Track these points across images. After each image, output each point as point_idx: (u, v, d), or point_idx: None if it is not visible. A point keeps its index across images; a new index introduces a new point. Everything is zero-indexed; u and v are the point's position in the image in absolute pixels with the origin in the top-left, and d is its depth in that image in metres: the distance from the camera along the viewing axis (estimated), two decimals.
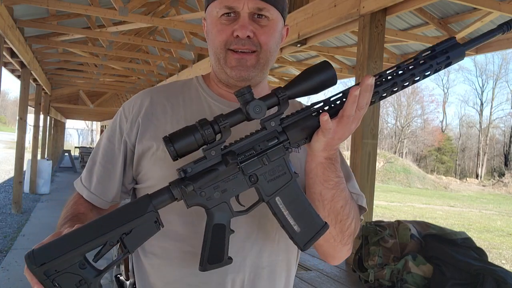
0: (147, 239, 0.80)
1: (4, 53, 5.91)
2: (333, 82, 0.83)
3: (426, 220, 2.50)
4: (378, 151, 4.22)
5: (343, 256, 1.01)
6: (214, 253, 0.83)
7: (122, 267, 1.13)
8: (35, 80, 9.97)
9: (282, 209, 0.84)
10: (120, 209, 0.80)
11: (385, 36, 3.60)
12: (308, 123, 0.83)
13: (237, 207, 0.84)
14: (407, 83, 0.85)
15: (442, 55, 0.86)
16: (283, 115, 0.84)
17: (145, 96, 1.06)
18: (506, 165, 40.70)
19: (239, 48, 0.95)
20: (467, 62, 53.67)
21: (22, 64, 7.71)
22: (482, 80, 46.26)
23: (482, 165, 42.27)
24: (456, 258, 2.07)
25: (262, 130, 0.83)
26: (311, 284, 2.36)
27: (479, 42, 0.93)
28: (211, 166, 0.81)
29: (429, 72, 0.85)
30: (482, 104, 45.17)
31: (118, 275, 1.14)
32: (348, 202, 0.94)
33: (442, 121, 49.55)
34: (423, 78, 0.85)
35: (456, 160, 44.96)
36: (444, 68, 0.87)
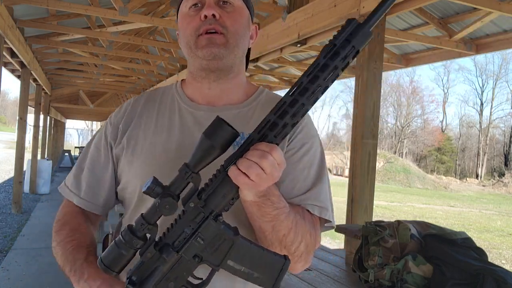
0: None
1: (4, 53, 5.91)
2: (233, 136, 0.78)
3: (426, 220, 2.49)
4: (378, 151, 4.22)
5: (298, 270, 0.99)
6: None
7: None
8: (35, 80, 9.97)
9: (237, 267, 0.83)
10: None
11: (385, 36, 3.60)
12: (227, 187, 0.79)
13: (196, 280, 0.86)
14: (315, 98, 0.76)
15: (345, 47, 0.75)
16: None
17: (129, 103, 1.12)
18: (506, 165, 40.68)
19: (207, 29, 0.98)
20: (467, 62, 53.73)
21: (22, 64, 7.71)
22: (482, 80, 46.27)
23: (482, 165, 42.26)
24: (456, 258, 2.07)
25: (186, 212, 0.81)
26: (311, 284, 2.36)
27: (380, 14, 0.76)
28: (153, 266, 0.82)
29: (337, 73, 0.76)
30: (482, 104, 45.16)
31: None
32: (291, 229, 0.91)
33: (442, 121, 49.55)
34: (332, 82, 0.77)
35: (456, 160, 44.94)
36: (353, 58, 0.76)
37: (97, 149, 1.09)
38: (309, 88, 0.75)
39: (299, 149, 1.02)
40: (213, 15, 0.98)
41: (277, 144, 0.78)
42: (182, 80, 1.14)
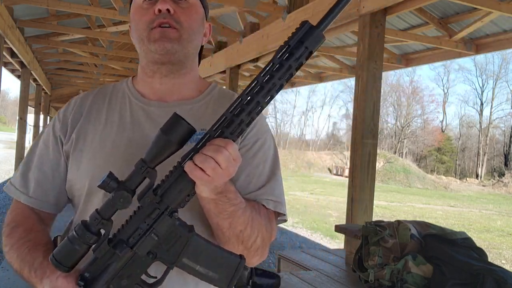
0: None
1: (4, 53, 5.91)
2: (190, 132, 0.79)
3: (426, 220, 2.49)
4: (378, 151, 4.22)
5: (255, 263, 1.01)
6: None
7: None
8: (35, 80, 9.97)
9: (192, 266, 0.83)
10: None
11: (385, 36, 3.60)
12: (183, 183, 0.80)
13: (149, 279, 0.85)
14: (270, 96, 0.78)
15: (298, 48, 0.76)
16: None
17: (77, 99, 1.10)
18: (506, 165, 40.70)
19: (160, 22, 0.97)
20: (467, 62, 53.72)
21: (22, 64, 7.71)
22: (482, 80, 46.25)
23: (482, 165, 42.26)
24: (456, 258, 2.07)
25: (141, 208, 0.81)
26: (311, 284, 2.36)
27: (332, 17, 0.78)
28: (106, 263, 0.81)
29: (291, 72, 0.78)
30: (482, 104, 45.17)
31: None
32: (248, 224, 0.93)
33: (442, 121, 49.56)
34: (286, 82, 0.78)
35: (456, 160, 44.95)
36: (307, 59, 0.78)
37: (45, 146, 1.06)
38: (264, 86, 0.77)
39: (253, 145, 1.03)
40: (168, 10, 0.97)
41: (233, 141, 0.79)
42: (133, 76, 1.13)
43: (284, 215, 1.05)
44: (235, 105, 0.78)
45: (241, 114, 0.77)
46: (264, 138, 1.06)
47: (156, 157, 0.79)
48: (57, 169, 1.04)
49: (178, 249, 0.82)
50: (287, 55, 0.77)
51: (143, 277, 0.84)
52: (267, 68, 0.78)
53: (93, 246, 0.80)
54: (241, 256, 0.86)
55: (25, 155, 1.11)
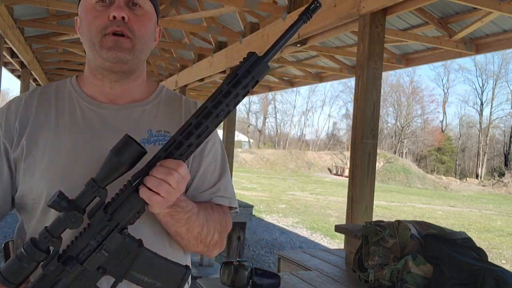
0: None
1: (4, 53, 5.91)
2: (140, 153, 0.81)
3: (426, 220, 2.50)
4: (378, 151, 4.22)
5: (215, 254, 1.10)
6: None
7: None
8: (35, 80, 9.98)
9: (141, 277, 0.86)
10: None
11: (385, 36, 3.60)
12: (134, 202, 0.82)
13: None
14: (218, 121, 0.82)
15: (245, 77, 0.82)
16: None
17: (18, 101, 1.04)
18: (506, 165, 40.71)
19: (114, 30, 0.96)
20: (467, 62, 53.74)
21: (22, 64, 7.71)
22: (482, 80, 46.24)
23: (482, 165, 42.28)
24: (456, 258, 2.07)
25: (92, 225, 0.82)
26: (311, 284, 2.36)
27: (278, 49, 0.85)
28: (56, 279, 0.81)
29: (238, 99, 0.83)
30: (482, 104, 45.19)
31: None
32: (204, 225, 0.98)
33: (442, 121, 49.59)
34: (234, 107, 0.83)
35: (456, 160, 44.96)
36: (253, 87, 0.84)
37: None
38: (213, 112, 0.81)
39: (205, 146, 1.07)
40: (122, 17, 0.96)
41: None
42: (76, 76, 1.11)
43: (236, 207, 1.14)
44: (184, 128, 0.82)
45: (190, 137, 0.81)
46: (213, 138, 1.10)
47: (107, 177, 0.81)
48: (0, 177, 0.99)
49: (127, 264, 0.85)
50: (234, 83, 0.82)
51: None
52: (216, 95, 0.82)
53: (42, 262, 0.80)
54: (186, 267, 0.90)
55: None
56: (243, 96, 0.83)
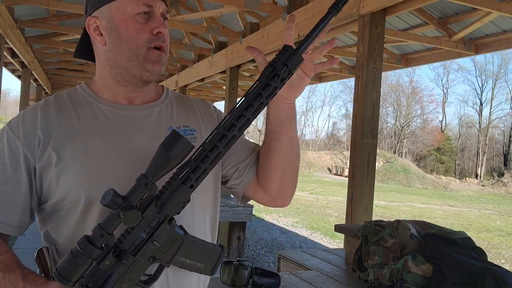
0: None
1: (5, 53, 5.92)
2: (189, 148, 0.84)
3: (425, 220, 2.50)
4: (377, 151, 4.23)
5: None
6: None
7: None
8: (35, 80, 9.98)
9: (184, 261, 0.93)
10: None
11: (385, 36, 3.60)
12: (181, 193, 0.85)
13: (144, 276, 0.90)
14: (257, 113, 0.87)
15: (283, 70, 0.87)
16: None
17: (32, 111, 1.02)
18: (505, 165, 40.72)
19: (159, 45, 1.01)
20: (466, 62, 53.73)
21: (22, 64, 7.72)
22: (482, 80, 46.23)
23: (482, 165, 42.29)
24: (456, 258, 2.07)
25: (142, 219, 0.85)
26: (311, 284, 2.37)
27: (311, 40, 0.92)
28: (110, 271, 0.84)
29: (275, 92, 0.88)
30: (481, 104, 45.20)
31: None
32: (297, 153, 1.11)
33: (441, 121, 49.58)
34: (270, 99, 0.88)
35: (456, 160, 44.97)
36: (288, 79, 0.89)
37: (0, 163, 0.98)
38: (253, 104, 0.86)
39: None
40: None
41: (222, 152, 0.85)
42: (84, 83, 1.11)
43: None
44: (226, 121, 0.85)
45: (233, 129, 0.85)
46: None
47: (158, 172, 0.83)
48: (19, 188, 0.97)
49: (173, 250, 0.90)
50: (272, 76, 0.86)
51: None
52: (256, 87, 0.86)
53: (97, 259, 0.82)
54: (222, 247, 0.98)
55: None
56: (280, 89, 0.88)
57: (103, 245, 0.82)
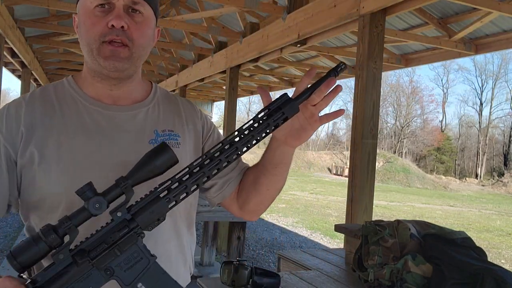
0: None
1: (5, 53, 5.92)
2: (174, 161, 0.83)
3: (425, 220, 2.50)
4: (377, 151, 4.23)
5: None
6: None
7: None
8: (35, 80, 9.98)
9: None
10: None
11: (385, 36, 3.60)
12: (155, 205, 0.82)
13: None
14: (247, 147, 0.88)
15: (276, 112, 0.89)
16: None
17: (17, 105, 1.01)
18: (505, 165, 40.73)
19: (113, 39, 0.95)
20: (466, 62, 53.75)
21: (22, 64, 7.72)
22: (482, 80, 46.23)
23: (482, 165, 42.29)
24: (456, 258, 2.07)
25: (111, 222, 0.81)
26: (311, 284, 2.37)
27: (308, 94, 0.93)
28: (61, 270, 0.78)
29: (267, 131, 0.89)
30: (481, 104, 45.21)
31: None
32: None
33: (441, 121, 49.59)
34: (263, 138, 0.90)
35: (456, 160, 44.98)
36: (282, 123, 0.90)
37: None
38: (245, 137, 0.88)
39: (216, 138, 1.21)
40: (122, 27, 0.95)
41: (207, 176, 0.85)
42: (71, 76, 1.10)
43: None
44: (216, 147, 0.86)
45: (221, 156, 0.86)
46: (215, 129, 1.22)
47: (138, 178, 0.81)
48: None
49: (136, 271, 0.82)
50: (266, 114, 0.89)
51: None
52: (249, 123, 0.89)
53: (54, 250, 0.78)
54: None
55: None
56: (271, 130, 0.90)
57: (64, 236, 0.78)
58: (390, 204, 15.83)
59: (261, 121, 0.88)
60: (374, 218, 3.31)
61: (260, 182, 1.11)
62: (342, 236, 4.69)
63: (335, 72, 0.94)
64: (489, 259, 2.23)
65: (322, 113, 0.98)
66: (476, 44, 5.14)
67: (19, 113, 0.99)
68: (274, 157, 1.05)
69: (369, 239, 2.35)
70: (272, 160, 1.06)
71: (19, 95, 9.25)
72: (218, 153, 0.86)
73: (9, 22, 5.45)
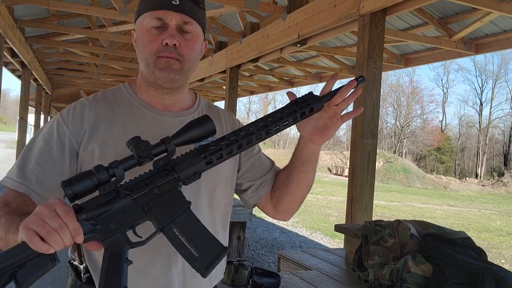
0: (42, 274, 0.80)
1: (5, 53, 5.92)
2: (212, 133, 0.95)
3: (425, 220, 2.50)
4: (377, 151, 4.23)
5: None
6: (110, 282, 0.83)
7: (75, 253, 1.16)
8: (35, 80, 9.97)
9: (178, 235, 0.89)
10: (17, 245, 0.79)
11: (385, 36, 3.60)
12: (197, 160, 0.92)
13: (135, 239, 0.89)
14: (276, 128, 0.99)
15: (303, 103, 1.02)
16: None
17: (83, 105, 1.15)
18: (505, 165, 40.72)
19: (166, 55, 1.09)
20: (466, 62, 53.76)
21: (22, 64, 7.71)
22: (482, 80, 46.27)
23: (482, 165, 42.29)
24: (456, 258, 2.07)
25: (154, 169, 0.91)
26: (311, 284, 2.37)
27: (332, 95, 1.08)
28: (106, 201, 0.86)
29: (296, 116, 1.01)
30: (481, 104, 45.21)
31: (71, 261, 1.19)
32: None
33: (441, 121, 49.59)
34: (291, 123, 1.02)
35: (456, 160, 44.97)
36: (309, 113, 1.03)
37: (47, 144, 1.09)
38: (275, 119, 0.99)
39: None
40: (174, 44, 1.09)
41: (242, 147, 0.97)
42: (128, 82, 1.23)
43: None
44: (249, 124, 0.99)
45: (252, 129, 0.97)
46: None
47: (181, 140, 0.92)
48: (60, 169, 1.07)
49: (171, 213, 0.89)
50: (295, 105, 1.02)
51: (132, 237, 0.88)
52: (280, 109, 1.01)
53: (102, 185, 0.86)
54: (225, 248, 0.92)
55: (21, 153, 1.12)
56: (299, 118, 1.02)
57: (113, 175, 0.86)
58: (390, 204, 15.83)
59: (289, 109, 1.00)
60: (374, 218, 3.31)
61: (290, 180, 1.21)
62: (342, 236, 4.70)
63: (356, 80, 1.07)
64: (489, 259, 2.23)
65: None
66: (476, 44, 5.14)
67: (83, 111, 1.13)
68: (302, 155, 1.18)
69: (369, 239, 2.35)
70: (300, 158, 1.18)
71: (19, 95, 9.22)
72: (251, 128, 0.97)
73: (9, 22, 5.45)
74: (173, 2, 1.09)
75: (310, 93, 1.04)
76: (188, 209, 0.91)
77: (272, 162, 1.33)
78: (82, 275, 1.12)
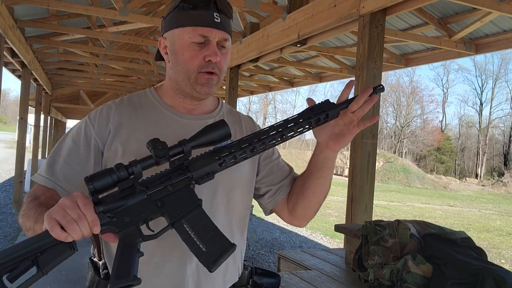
0: (61, 261, 0.87)
1: (5, 53, 5.92)
2: (227, 137, 0.99)
3: (425, 220, 2.50)
4: (377, 151, 4.23)
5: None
6: (122, 270, 0.88)
7: (95, 250, 1.21)
8: (35, 80, 9.98)
9: (188, 231, 0.94)
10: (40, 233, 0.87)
11: (385, 36, 3.60)
12: (210, 160, 0.97)
13: (148, 232, 0.95)
14: (291, 134, 1.02)
15: (319, 109, 1.05)
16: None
17: (109, 108, 1.21)
18: (505, 164, 40.73)
19: (209, 71, 1.14)
20: (466, 62, 53.76)
21: (22, 64, 7.72)
22: (482, 80, 46.23)
23: (482, 165, 42.29)
24: (456, 258, 2.08)
25: (169, 168, 0.96)
26: (311, 284, 2.37)
27: (348, 103, 1.09)
28: (122, 196, 0.92)
29: (311, 122, 1.04)
30: (481, 104, 45.21)
31: (92, 257, 1.23)
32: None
33: (441, 121, 49.58)
34: (306, 129, 1.05)
35: (456, 160, 44.98)
36: (324, 120, 1.06)
37: (74, 144, 1.16)
38: (290, 125, 1.03)
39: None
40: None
41: (255, 151, 1.00)
42: (153, 87, 1.28)
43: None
44: (265, 129, 1.02)
45: (267, 136, 1.00)
46: None
47: (197, 143, 0.96)
48: (85, 167, 1.13)
49: (183, 209, 0.94)
50: (312, 113, 1.05)
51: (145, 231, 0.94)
52: (295, 116, 1.04)
53: (120, 182, 0.91)
54: (233, 244, 0.95)
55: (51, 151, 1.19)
56: (314, 124, 1.05)
57: (132, 173, 0.91)
58: (390, 204, 15.83)
59: (305, 115, 1.04)
60: (374, 218, 3.31)
61: (306, 186, 1.24)
62: (342, 236, 4.69)
63: (374, 88, 1.09)
64: (489, 259, 2.23)
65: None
66: (476, 44, 5.14)
67: (109, 113, 1.19)
68: (318, 161, 1.20)
69: (369, 239, 2.35)
70: (316, 164, 1.21)
71: (19, 95, 9.20)
72: (266, 132, 1.00)
73: (9, 22, 5.45)
74: (215, 20, 1.13)
75: (327, 101, 1.08)
76: (199, 206, 0.95)
77: (291, 168, 1.36)
78: (100, 271, 1.17)
